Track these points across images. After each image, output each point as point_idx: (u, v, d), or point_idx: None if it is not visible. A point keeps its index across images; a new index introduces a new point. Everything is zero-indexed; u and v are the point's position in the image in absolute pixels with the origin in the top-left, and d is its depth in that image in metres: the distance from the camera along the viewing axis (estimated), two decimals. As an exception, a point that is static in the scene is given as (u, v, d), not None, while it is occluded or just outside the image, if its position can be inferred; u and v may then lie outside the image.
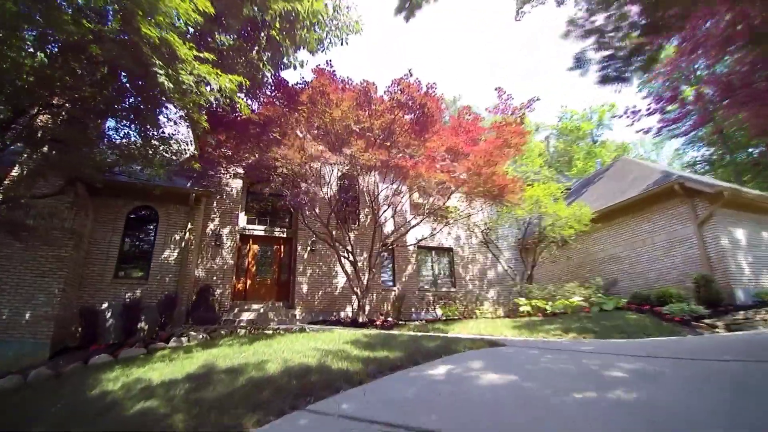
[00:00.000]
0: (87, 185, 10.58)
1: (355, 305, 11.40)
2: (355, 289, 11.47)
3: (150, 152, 9.29)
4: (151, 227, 11.18)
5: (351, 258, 11.80)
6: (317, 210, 13.58)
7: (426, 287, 15.44)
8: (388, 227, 13.93)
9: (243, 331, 8.88)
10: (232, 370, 5.19)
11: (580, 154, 37.66)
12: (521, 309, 12.32)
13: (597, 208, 14.11)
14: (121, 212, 11.01)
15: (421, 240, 13.24)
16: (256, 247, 13.77)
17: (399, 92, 8.90)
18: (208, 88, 6.05)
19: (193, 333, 8.18)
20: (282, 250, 13.89)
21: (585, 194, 17.51)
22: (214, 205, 12.70)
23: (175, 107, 6.37)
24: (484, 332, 9.29)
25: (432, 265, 16.14)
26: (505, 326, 10.10)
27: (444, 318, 12.67)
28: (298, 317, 12.19)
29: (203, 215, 12.45)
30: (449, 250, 16.58)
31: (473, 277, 16.45)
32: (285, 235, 13.94)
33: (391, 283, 15.15)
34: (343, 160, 8.92)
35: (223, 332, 8.69)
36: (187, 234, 11.11)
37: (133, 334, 9.48)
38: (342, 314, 12.82)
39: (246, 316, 11.26)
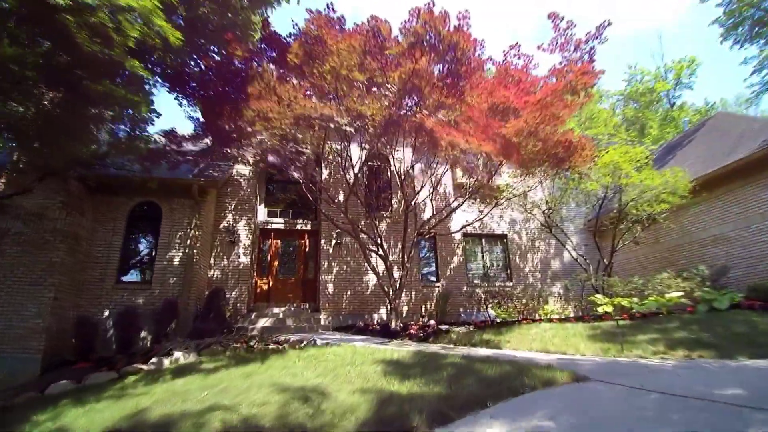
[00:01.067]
0: (83, 183, 9.57)
1: (389, 307, 9.46)
2: (386, 288, 9.50)
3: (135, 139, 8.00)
4: (155, 225, 9.97)
5: (381, 251, 9.83)
6: (341, 197, 11.76)
7: (476, 282, 13.10)
8: (427, 213, 11.74)
9: (244, 345, 7.26)
10: (158, 426, 3.44)
11: (655, 120, 32.56)
12: (599, 309, 9.63)
13: (694, 175, 10.91)
14: (121, 210, 9.90)
15: (466, 225, 10.96)
16: (278, 243, 12.26)
17: (419, 26, 6.68)
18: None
19: (177, 352, 6.69)
20: (307, 244, 12.27)
21: (672, 161, 14.08)
22: (228, 197, 11.30)
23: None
24: (553, 346, 6.92)
25: (482, 256, 13.74)
26: (579, 335, 7.62)
27: (498, 321, 10.31)
28: (323, 322, 10.48)
29: (215, 209, 11.10)
30: (502, 237, 14.05)
31: (533, 269, 13.82)
32: (309, 228, 12.29)
33: (434, 279, 13.01)
34: (345, 121, 6.92)
35: (220, 347, 7.13)
36: (193, 230, 9.76)
37: (131, 346, 8.27)
38: (375, 317, 10.93)
39: (262, 322, 9.73)
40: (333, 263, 11.22)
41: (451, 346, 7.44)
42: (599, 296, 10.11)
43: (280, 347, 7.08)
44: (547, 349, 6.76)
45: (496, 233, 13.94)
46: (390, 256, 11.30)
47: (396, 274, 10.80)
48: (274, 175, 12.58)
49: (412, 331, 8.40)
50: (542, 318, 9.93)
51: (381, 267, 10.74)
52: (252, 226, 11.28)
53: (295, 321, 9.87)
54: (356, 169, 10.09)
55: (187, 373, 5.77)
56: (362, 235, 10.47)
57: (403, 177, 10.05)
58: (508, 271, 13.65)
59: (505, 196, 11.40)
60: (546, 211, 12.73)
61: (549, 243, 14.24)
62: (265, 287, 11.70)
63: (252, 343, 7.39)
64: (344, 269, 11.20)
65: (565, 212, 13.40)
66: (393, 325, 9.08)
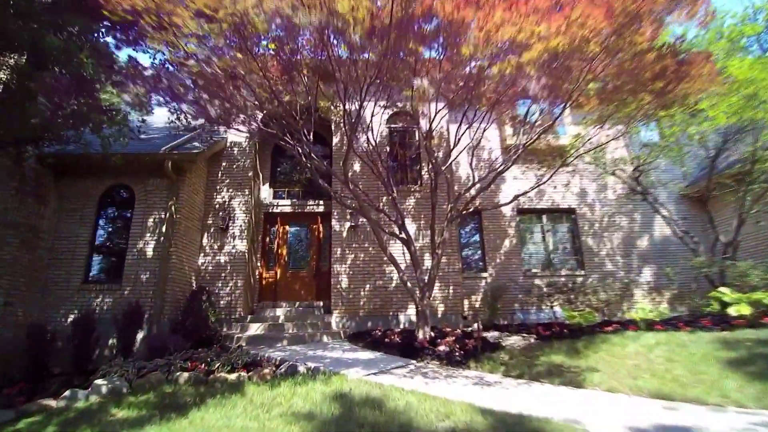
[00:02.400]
0: (44, 165, 8.01)
1: (417, 309, 6.97)
2: (408, 284, 7.01)
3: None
4: (129, 213, 8.23)
5: (403, 234, 7.34)
6: (357, 166, 9.36)
7: (535, 272, 10.18)
8: (467, 183, 8.97)
9: (202, 369, 5.19)
10: None
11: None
12: (731, 310, 6.46)
13: None
14: (90, 196, 8.25)
15: (520, 195, 8.08)
16: (286, 228, 10.18)
17: None
18: None
19: (99, 382, 4.74)
20: (321, 229, 10.07)
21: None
22: (222, 174, 9.34)
23: None
24: (676, 385, 4.12)
25: (543, 237, 10.73)
26: (712, 360, 4.73)
27: (568, 324, 7.45)
28: (334, 325, 8.25)
29: (205, 189, 9.20)
30: (569, 211, 10.91)
31: (612, 252, 10.60)
32: (322, 209, 10.06)
33: (479, 268, 10.29)
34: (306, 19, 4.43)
35: (164, 374, 5.10)
36: (168, 216, 7.88)
37: (89, 362, 6.59)
38: (402, 318, 8.50)
39: (255, 329, 7.70)
40: (347, 251, 8.91)
41: (499, 378, 4.82)
42: (725, 290, 6.91)
43: (243, 377, 4.90)
44: (667, 394, 3.96)
45: (561, 207, 10.82)
46: (418, 241, 8.77)
47: (426, 263, 8.29)
48: (281, 150, 10.47)
49: (443, 348, 5.86)
50: (636, 322, 6.93)
51: (406, 256, 8.27)
52: (249, 208, 9.24)
53: (297, 326, 7.72)
54: (373, 133, 7.59)
55: (82, 426, 3.77)
56: (378, 215, 8.04)
57: (427, 137, 7.39)
58: (578, 256, 10.54)
59: (574, 153, 8.32)
60: (633, 173, 9.43)
61: (633, 217, 10.89)
62: (272, 282, 9.70)
63: (215, 366, 5.30)
64: (362, 258, 8.85)
65: (653, 176, 9.99)
66: (420, 334, 6.61)
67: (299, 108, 7.46)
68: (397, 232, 7.46)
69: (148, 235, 7.93)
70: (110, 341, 7.14)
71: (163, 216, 7.99)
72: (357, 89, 6.40)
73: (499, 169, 7.54)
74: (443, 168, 7.74)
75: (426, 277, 7.16)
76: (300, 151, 7.08)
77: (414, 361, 5.51)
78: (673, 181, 10.91)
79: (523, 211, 10.73)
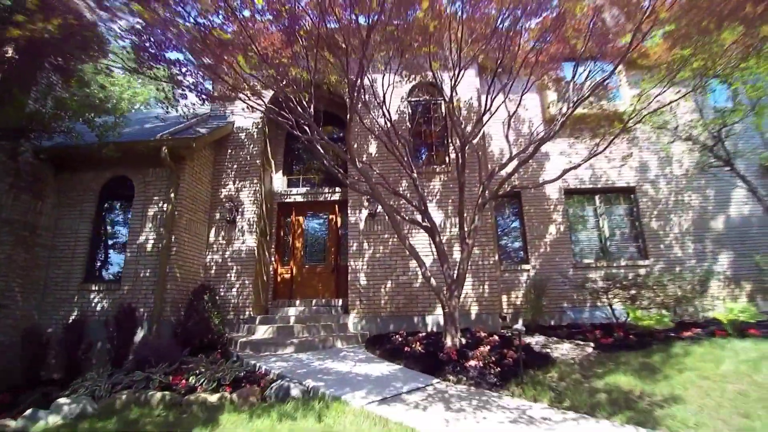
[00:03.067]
0: (41, 159, 7.55)
1: (445, 310, 5.83)
2: (432, 282, 5.88)
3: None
4: (129, 206, 7.62)
5: (426, 222, 6.21)
6: (373, 148, 8.30)
7: (587, 262, 8.71)
8: (504, 160, 7.63)
9: (182, 387, 4.37)
10: None
11: None
12: None
13: None
14: (89, 190, 7.72)
15: (569, 170, 6.65)
16: (301, 219, 9.30)
17: None
18: None
19: (62, 401, 4.01)
20: (339, 219, 9.10)
21: None
22: (229, 162, 8.56)
23: None
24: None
25: (597, 222, 9.21)
26: None
27: (633, 328, 6.03)
28: (351, 327, 7.28)
29: (212, 178, 8.46)
30: (628, 190, 9.30)
31: (681, 236, 8.93)
32: (338, 197, 9.07)
33: (519, 259, 8.98)
34: None
35: (138, 393, 4.31)
36: (168, 208, 7.18)
37: (80, 369, 6.00)
38: (429, 320, 7.39)
39: (262, 331, 6.88)
40: (365, 243, 7.87)
41: (547, 409, 3.61)
42: None
43: (225, 399, 4.01)
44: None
45: (618, 185, 9.22)
46: (445, 231, 7.61)
47: (455, 256, 7.13)
48: (295, 135, 9.59)
49: (474, 363, 4.69)
50: (721, 324, 5.43)
51: (432, 248, 7.16)
52: (259, 198, 8.41)
53: (309, 329, 6.81)
54: (386, 105, 6.47)
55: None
56: (397, 200, 6.94)
57: (450, 97, 6.17)
58: (640, 243, 8.94)
59: (635, 117, 6.79)
60: (709, 140, 7.72)
61: (705, 194, 9.13)
62: (288, 278, 8.88)
63: (200, 382, 4.47)
64: (381, 251, 7.79)
65: (728, 144, 8.18)
66: (448, 341, 5.48)
67: (303, 83, 6.47)
68: (420, 220, 6.32)
69: (147, 229, 7.28)
70: (107, 347, 6.56)
71: (162, 208, 7.30)
72: (363, 53, 5.29)
73: (541, 136, 6.18)
74: (473, 141, 6.49)
75: (455, 272, 6.00)
76: (306, 129, 6.09)
77: (436, 381, 4.40)
78: (754, 150, 9.02)
79: (571, 192, 9.23)
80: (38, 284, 7.25)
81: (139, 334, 6.49)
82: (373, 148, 8.40)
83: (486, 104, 6.14)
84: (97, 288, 7.15)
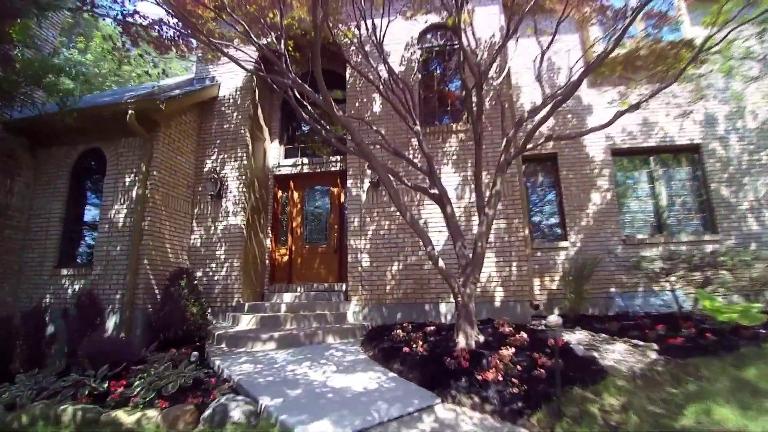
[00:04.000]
0: (12, 131, 6.83)
1: (457, 300, 4.58)
2: (440, 263, 4.61)
3: None
4: (102, 182, 6.80)
5: (434, 189, 4.94)
6: (377, 107, 7.04)
7: (640, 238, 7.15)
8: (534, 112, 6.10)
9: (77, 410, 3.45)
10: None
11: None
12: None
13: None
14: (61, 165, 6.95)
15: (622, 112, 5.12)
16: (300, 194, 8.23)
17: None
18: None
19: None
20: (342, 194, 7.96)
21: None
22: (213, 131, 7.54)
23: None
24: None
25: (652, 188, 7.57)
26: None
27: (706, 319, 4.56)
28: (350, 317, 6.19)
29: (195, 147, 7.49)
30: (691, 149, 7.57)
31: (757, 205, 7.17)
32: (341, 167, 7.89)
33: (556, 234, 7.56)
34: None
35: (41, 409, 3.43)
36: (140, 182, 6.28)
37: (42, 364, 5.30)
38: (443, 309, 6.18)
39: (245, 322, 5.92)
40: (368, 218, 6.68)
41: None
42: None
43: (148, 420, 3.03)
44: None
45: (679, 144, 7.49)
46: (461, 201, 6.32)
47: (473, 231, 5.86)
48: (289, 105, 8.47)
49: (493, 375, 3.44)
50: None
51: (438, 224, 5.91)
52: (245, 170, 7.38)
53: (299, 319, 5.78)
54: (381, 49, 5.15)
55: None
56: (405, 169, 5.69)
57: (457, 10, 4.75)
58: (707, 213, 7.24)
59: (704, 54, 5.10)
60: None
61: (795, 153, 7.24)
62: (286, 260, 7.89)
63: (135, 392, 3.53)
64: (387, 228, 6.58)
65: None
66: (460, 340, 4.27)
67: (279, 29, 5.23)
68: (427, 186, 5.05)
69: (119, 205, 6.42)
70: (54, 345, 5.82)
71: (135, 181, 6.41)
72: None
73: (580, 71, 4.66)
74: (494, 82, 5.08)
75: (470, 252, 4.71)
76: (289, 83, 4.89)
77: (438, 402, 3.21)
78: None
79: (620, 152, 7.60)
80: (13, 269, 6.62)
81: (107, 324, 5.70)
82: (377, 107, 7.10)
83: (508, 28, 4.68)
84: (68, 272, 6.42)
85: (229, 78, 7.75)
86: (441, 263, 4.54)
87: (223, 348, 5.20)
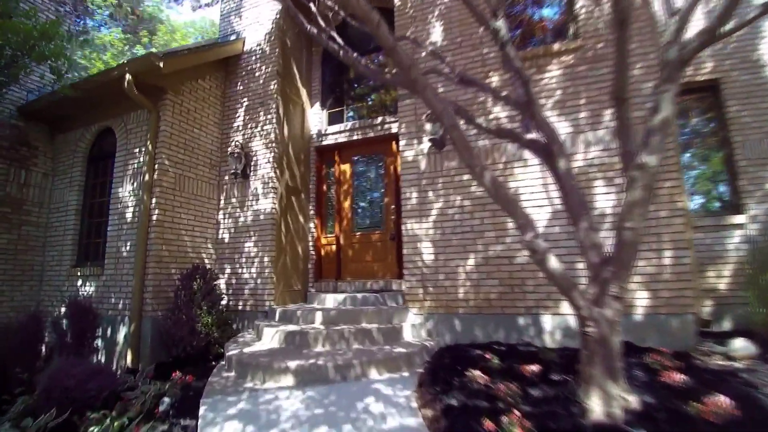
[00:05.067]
0: (28, 117, 6.16)
1: (578, 321, 2.56)
2: (552, 262, 2.56)
3: None
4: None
5: (533, 134, 2.87)
6: (438, 29, 5.05)
7: None
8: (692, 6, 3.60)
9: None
10: None
11: None
12: None
13: None
14: (76, 151, 6.11)
15: None
16: (346, 168, 6.58)
17: None
18: None
19: None
20: (398, 163, 6.13)
21: None
22: (238, 96, 6.15)
23: None
24: None
25: None
26: None
27: None
28: (408, 334, 4.35)
29: (219, 121, 6.20)
30: None
31: None
32: (396, 129, 6.04)
33: (726, 204, 4.91)
34: None
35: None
36: (147, 162, 5.11)
37: (32, 391, 4.39)
38: (546, 323, 4.07)
39: (269, 338, 4.43)
40: (429, 193, 4.75)
41: None
42: None
43: None
44: None
45: None
46: (576, 159, 4.09)
47: (606, 203, 3.65)
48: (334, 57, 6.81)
49: None
50: None
51: (528, 197, 3.86)
52: (277, 140, 5.89)
53: (331, 339, 4.12)
54: None
55: None
56: (471, 99, 3.71)
57: None
58: None
59: None
60: None
61: None
62: (333, 251, 6.34)
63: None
64: (457, 206, 4.59)
65: None
66: (596, 407, 2.24)
67: None
68: (519, 130, 3.00)
69: (126, 193, 5.34)
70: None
71: (140, 161, 5.27)
72: None
73: None
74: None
75: (606, 241, 2.58)
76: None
77: None
78: None
79: None
80: (35, 269, 5.97)
81: (110, 337, 4.64)
82: (437, 32, 5.06)
83: None
84: (82, 273, 5.54)
85: (254, 30, 6.28)
86: (554, 263, 2.49)
87: (230, 377, 3.76)
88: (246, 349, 4.19)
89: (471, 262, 4.41)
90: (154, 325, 4.82)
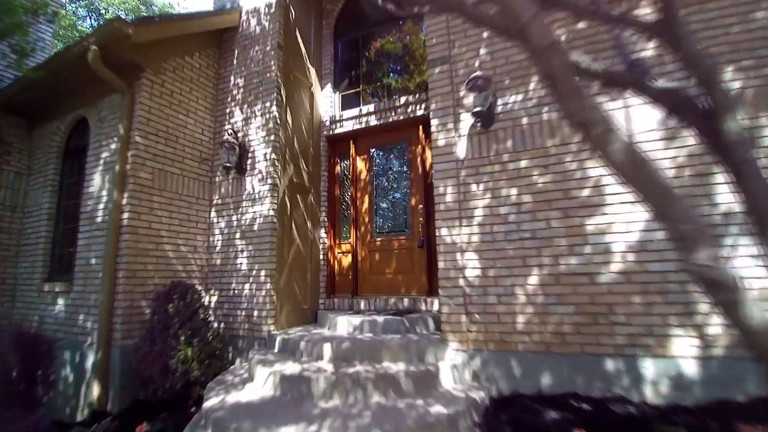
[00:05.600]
0: (11, 108, 5.36)
1: None
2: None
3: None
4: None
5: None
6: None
7: None
8: None
9: None
10: None
11: None
12: None
13: None
14: (51, 145, 5.26)
15: None
16: (364, 160, 5.47)
17: None
18: None
19: None
20: (429, 153, 4.98)
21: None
22: (234, 76, 5.14)
23: None
24: None
25: None
26: None
27: None
28: (447, 380, 3.19)
29: (212, 107, 5.21)
30: None
31: None
32: (427, 111, 4.89)
33: None
34: None
35: None
36: (119, 151, 4.17)
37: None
38: (646, 368, 2.82)
39: (260, 382, 3.36)
40: (472, 187, 3.57)
41: None
42: None
43: None
44: None
45: None
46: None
47: None
48: (346, 28, 5.80)
49: None
50: None
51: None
52: (277, 128, 4.85)
53: (348, 387, 3.02)
54: None
55: None
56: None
57: None
58: None
59: None
60: None
61: None
62: (348, 261, 5.24)
63: None
64: (512, 202, 3.40)
65: None
66: None
67: None
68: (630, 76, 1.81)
69: (98, 191, 4.41)
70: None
71: (112, 153, 4.33)
72: None
73: None
74: None
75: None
76: None
77: None
78: None
79: None
80: (5, 283, 5.14)
81: (67, 372, 3.69)
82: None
83: None
84: (50, 288, 4.65)
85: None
86: (757, 311, 1.29)
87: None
88: (230, 398, 3.12)
89: (534, 279, 3.20)
90: (124, 356, 3.84)
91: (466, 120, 3.60)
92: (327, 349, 3.55)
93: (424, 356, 3.35)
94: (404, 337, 3.71)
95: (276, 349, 3.97)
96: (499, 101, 3.50)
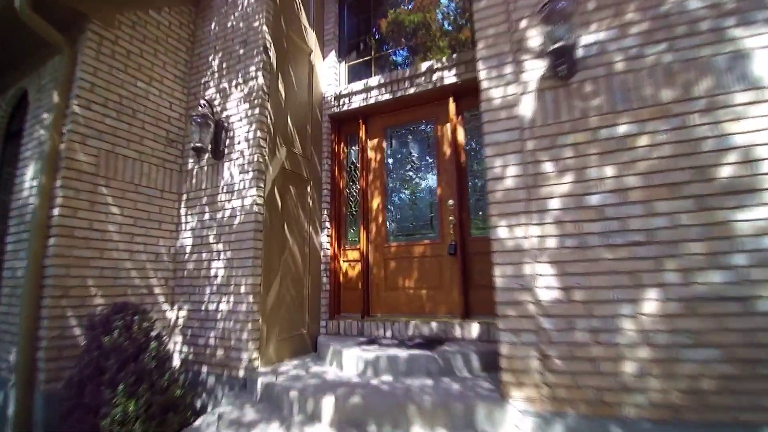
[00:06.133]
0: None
1: None
2: None
3: None
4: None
5: None
6: None
7: None
8: None
9: None
10: None
11: None
12: None
13: None
14: (-12, 121, 4.24)
15: None
16: (376, 144, 4.35)
17: None
18: None
19: None
20: (461, 132, 3.85)
21: None
22: (212, 41, 4.06)
23: None
24: None
25: None
26: None
27: None
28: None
29: (184, 77, 4.14)
30: None
31: None
32: (459, 77, 3.76)
33: None
34: None
35: None
36: (53, 125, 3.10)
37: None
38: None
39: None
40: (544, 165, 2.44)
41: None
42: None
43: None
44: None
45: None
46: None
47: None
48: None
49: None
50: None
51: None
52: (264, 103, 3.75)
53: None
54: None
55: None
56: None
57: None
58: None
59: None
60: None
61: None
62: (356, 272, 4.12)
63: None
64: (607, 186, 2.26)
65: None
66: None
67: None
68: None
69: (29, 179, 3.35)
70: None
71: (46, 128, 3.27)
72: None
73: None
74: None
75: None
76: None
77: None
78: None
79: None
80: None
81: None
82: None
83: None
84: (-29, 308, 3.58)
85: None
86: None
87: None
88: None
89: (651, 307, 2.05)
90: (50, 405, 2.76)
91: (534, 69, 2.48)
92: (328, 405, 2.42)
93: (473, 421, 2.21)
94: (438, 383, 2.58)
95: (257, 397, 2.85)
96: (582, 40, 2.37)
